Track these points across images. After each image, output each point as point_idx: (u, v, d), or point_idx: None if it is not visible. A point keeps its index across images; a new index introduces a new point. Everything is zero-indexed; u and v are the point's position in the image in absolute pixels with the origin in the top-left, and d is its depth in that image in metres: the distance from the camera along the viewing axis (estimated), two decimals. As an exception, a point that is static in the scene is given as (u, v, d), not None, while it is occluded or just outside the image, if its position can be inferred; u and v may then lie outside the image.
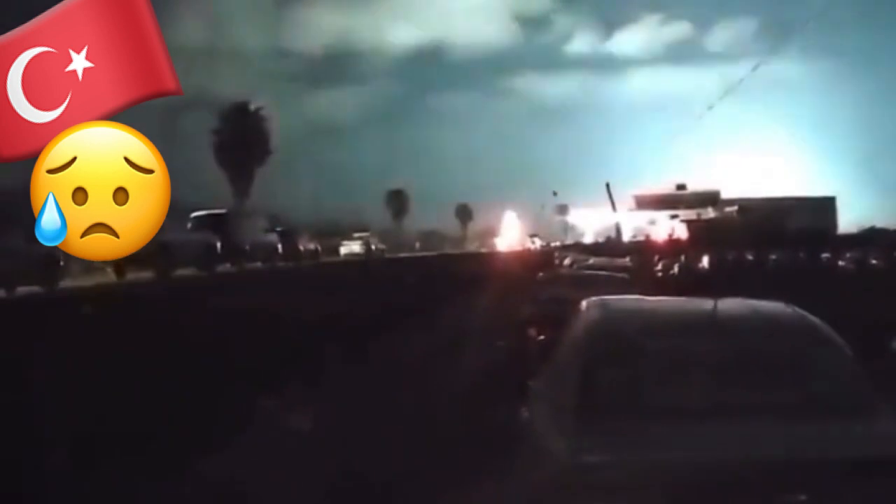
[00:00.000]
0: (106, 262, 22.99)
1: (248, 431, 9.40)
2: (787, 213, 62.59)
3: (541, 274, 20.22)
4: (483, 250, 69.48)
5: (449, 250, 74.37)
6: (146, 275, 25.94)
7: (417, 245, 78.45)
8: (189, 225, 32.12)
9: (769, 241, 37.10)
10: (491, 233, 77.96)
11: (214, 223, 32.87)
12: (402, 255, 68.33)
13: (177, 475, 7.96)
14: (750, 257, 32.92)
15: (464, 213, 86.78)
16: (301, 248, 43.60)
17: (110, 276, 26.33)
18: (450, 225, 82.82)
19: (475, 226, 79.71)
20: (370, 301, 21.87)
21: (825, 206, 75.52)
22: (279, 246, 38.38)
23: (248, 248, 34.53)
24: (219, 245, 31.51)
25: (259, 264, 35.29)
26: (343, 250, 59.35)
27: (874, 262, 29.58)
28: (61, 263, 22.19)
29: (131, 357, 12.37)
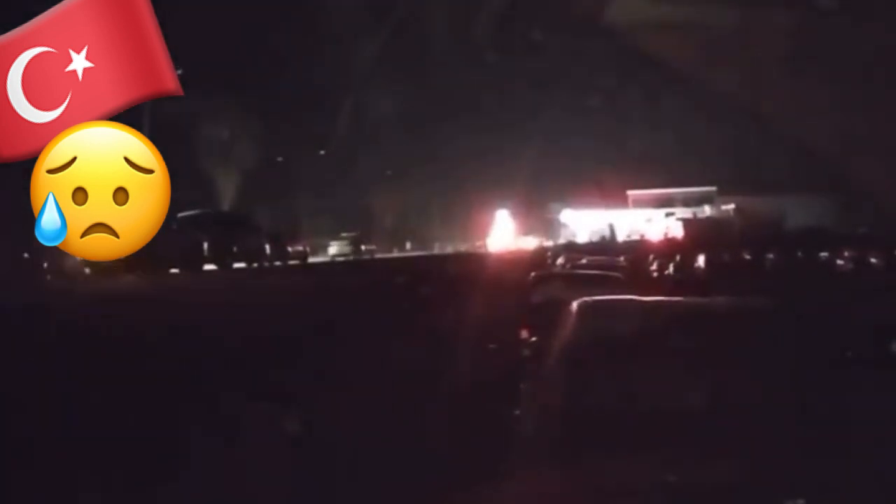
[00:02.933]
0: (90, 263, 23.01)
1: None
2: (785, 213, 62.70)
3: (533, 274, 20.14)
4: (476, 249, 69.42)
5: (440, 250, 74.33)
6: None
7: (408, 245, 78.36)
8: (174, 226, 31.96)
9: (767, 240, 37.09)
10: (482, 232, 77.83)
11: (201, 224, 32.82)
12: (392, 255, 68.30)
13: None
14: (747, 257, 32.86)
15: (457, 212, 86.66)
16: (289, 248, 43.54)
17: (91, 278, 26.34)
18: (442, 224, 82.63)
19: (467, 225, 79.55)
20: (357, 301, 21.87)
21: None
22: (266, 246, 38.29)
23: (235, 248, 34.46)
24: (205, 246, 31.46)
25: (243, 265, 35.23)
26: (332, 250, 59.30)
27: (874, 260, 29.54)
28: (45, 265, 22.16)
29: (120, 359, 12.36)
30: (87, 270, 26.65)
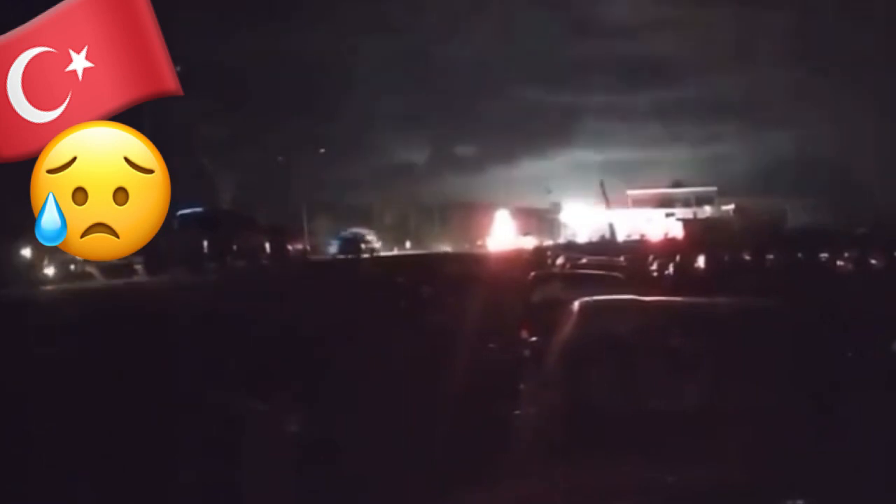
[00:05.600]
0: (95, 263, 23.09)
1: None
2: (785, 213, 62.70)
3: (533, 274, 20.15)
4: (476, 249, 69.33)
5: (440, 249, 74.21)
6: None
7: (408, 244, 78.28)
8: (175, 224, 31.75)
9: (766, 241, 37.03)
10: (482, 231, 77.80)
11: (201, 222, 32.77)
12: (392, 253, 68.21)
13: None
14: (747, 257, 32.82)
15: (457, 212, 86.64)
16: (289, 247, 43.44)
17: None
18: (442, 223, 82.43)
19: (467, 224, 79.45)
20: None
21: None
22: (267, 245, 38.15)
23: (235, 247, 34.37)
24: (206, 244, 31.40)
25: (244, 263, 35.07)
26: (332, 250, 59.20)
27: (874, 261, 29.52)
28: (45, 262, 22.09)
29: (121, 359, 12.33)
30: (88, 269, 26.65)
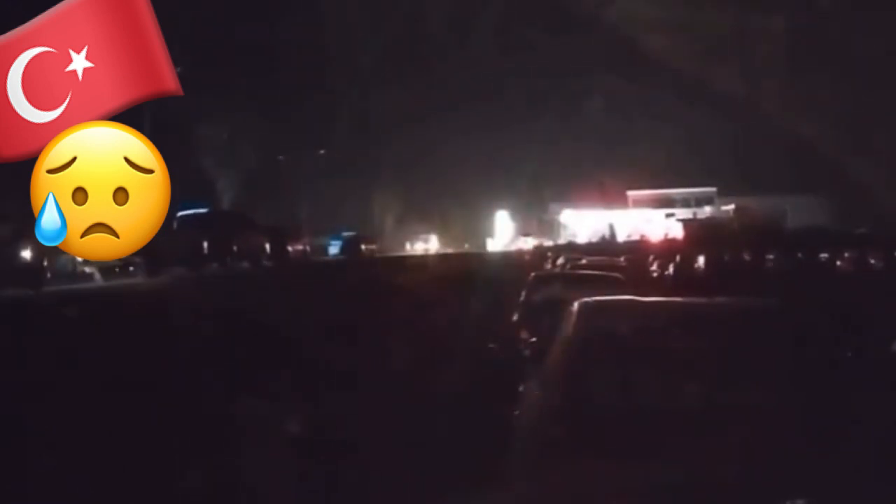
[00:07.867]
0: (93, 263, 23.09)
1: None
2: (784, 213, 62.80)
3: (533, 274, 20.11)
4: (476, 250, 69.39)
5: (440, 250, 74.29)
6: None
7: (408, 246, 78.31)
8: (175, 224, 31.66)
9: (766, 241, 36.97)
10: (482, 232, 77.90)
11: (201, 222, 32.69)
12: (392, 254, 68.28)
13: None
14: (747, 257, 32.76)
15: (457, 213, 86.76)
16: (290, 247, 43.37)
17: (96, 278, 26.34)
18: (442, 224, 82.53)
19: (467, 225, 79.63)
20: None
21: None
22: (267, 246, 38.01)
23: (235, 247, 34.22)
24: (206, 244, 31.30)
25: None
26: (332, 250, 59.23)
27: (874, 261, 29.46)
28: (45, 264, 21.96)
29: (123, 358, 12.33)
30: (88, 270, 26.65)
